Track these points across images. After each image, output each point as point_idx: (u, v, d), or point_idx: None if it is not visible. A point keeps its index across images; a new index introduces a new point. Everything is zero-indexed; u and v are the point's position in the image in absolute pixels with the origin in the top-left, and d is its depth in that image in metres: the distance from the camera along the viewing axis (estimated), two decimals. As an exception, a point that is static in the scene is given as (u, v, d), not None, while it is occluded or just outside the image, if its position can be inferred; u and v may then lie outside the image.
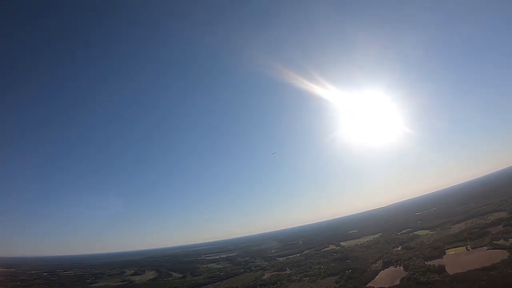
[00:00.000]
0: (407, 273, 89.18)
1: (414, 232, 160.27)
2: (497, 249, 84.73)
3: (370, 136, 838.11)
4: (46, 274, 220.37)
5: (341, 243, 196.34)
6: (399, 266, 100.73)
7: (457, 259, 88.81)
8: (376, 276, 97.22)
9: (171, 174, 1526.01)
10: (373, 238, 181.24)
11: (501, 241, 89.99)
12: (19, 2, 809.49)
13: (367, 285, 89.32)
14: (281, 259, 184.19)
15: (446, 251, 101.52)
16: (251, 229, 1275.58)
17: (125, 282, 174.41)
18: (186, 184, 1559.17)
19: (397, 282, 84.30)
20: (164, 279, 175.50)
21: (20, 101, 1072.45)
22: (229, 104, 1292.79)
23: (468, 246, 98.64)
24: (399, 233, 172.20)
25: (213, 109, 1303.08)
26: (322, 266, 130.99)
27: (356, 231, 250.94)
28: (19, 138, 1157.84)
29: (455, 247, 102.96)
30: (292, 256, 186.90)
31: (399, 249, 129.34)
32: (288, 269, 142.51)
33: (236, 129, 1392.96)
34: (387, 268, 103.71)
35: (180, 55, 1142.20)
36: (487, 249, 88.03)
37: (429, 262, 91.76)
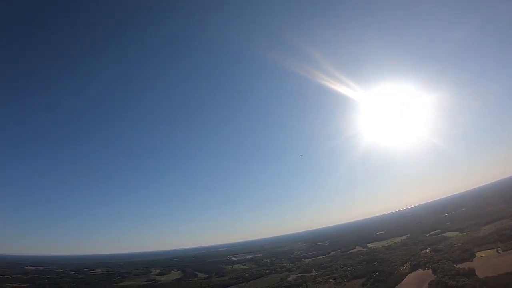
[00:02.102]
0: (435, 276, 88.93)
1: (443, 234, 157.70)
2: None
3: (397, 135, 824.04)
4: (73, 272, 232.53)
5: (368, 244, 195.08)
6: (428, 269, 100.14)
7: (488, 262, 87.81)
8: (404, 279, 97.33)
9: (197, 173, 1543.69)
10: (401, 239, 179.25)
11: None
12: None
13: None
14: (307, 260, 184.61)
15: (476, 253, 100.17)
16: (276, 230, 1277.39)
17: (150, 282, 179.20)
18: (213, 185, 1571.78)
19: (425, 285, 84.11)
20: (189, 279, 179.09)
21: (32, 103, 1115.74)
22: (254, 104, 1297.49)
23: (499, 248, 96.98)
24: (427, 235, 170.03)
25: (238, 109, 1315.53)
26: (348, 268, 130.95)
27: (383, 232, 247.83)
28: (34, 140, 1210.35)
29: (485, 249, 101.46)
30: (318, 257, 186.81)
31: (427, 251, 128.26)
32: (314, 271, 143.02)
33: (259, 130, 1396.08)
34: (415, 271, 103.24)
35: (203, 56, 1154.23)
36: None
37: (459, 265, 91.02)
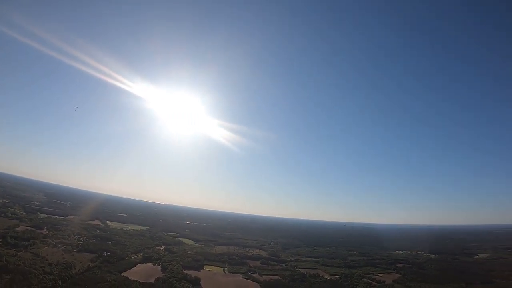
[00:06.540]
0: (164, 274, 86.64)
1: (180, 238, 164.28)
2: (251, 280, 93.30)
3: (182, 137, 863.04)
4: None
5: (107, 221, 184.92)
6: (158, 265, 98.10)
7: (213, 277, 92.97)
8: (133, 268, 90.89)
9: None
10: (140, 229, 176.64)
11: (256, 275, 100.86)
12: None
13: (122, 274, 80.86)
14: (42, 215, 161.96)
15: (204, 266, 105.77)
16: (23, 170, 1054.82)
17: None
18: None
19: (152, 280, 79.68)
20: None
21: None
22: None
23: (226, 269, 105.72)
24: (166, 234, 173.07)
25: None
26: (81, 239, 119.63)
27: (126, 215, 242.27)
28: None
29: (214, 265, 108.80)
30: (54, 216, 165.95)
31: (161, 248, 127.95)
32: (46, 229, 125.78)
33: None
34: (146, 263, 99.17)
35: None
36: (242, 277, 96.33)
37: (187, 271, 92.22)
